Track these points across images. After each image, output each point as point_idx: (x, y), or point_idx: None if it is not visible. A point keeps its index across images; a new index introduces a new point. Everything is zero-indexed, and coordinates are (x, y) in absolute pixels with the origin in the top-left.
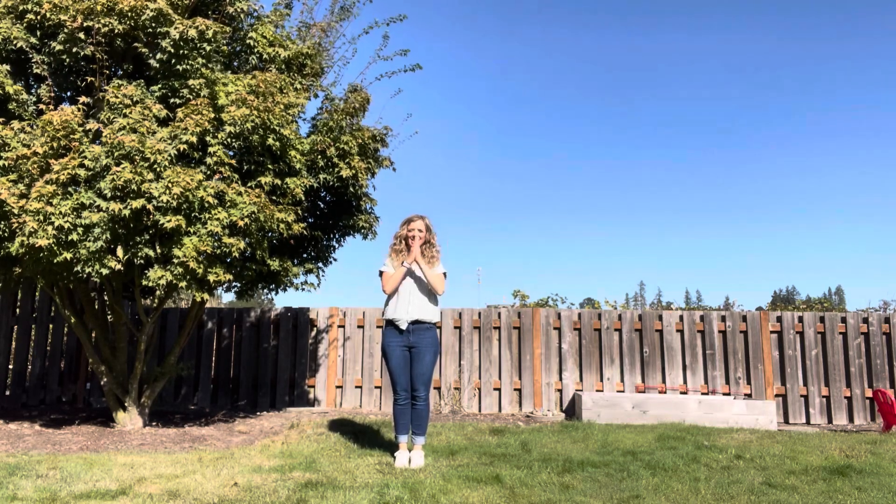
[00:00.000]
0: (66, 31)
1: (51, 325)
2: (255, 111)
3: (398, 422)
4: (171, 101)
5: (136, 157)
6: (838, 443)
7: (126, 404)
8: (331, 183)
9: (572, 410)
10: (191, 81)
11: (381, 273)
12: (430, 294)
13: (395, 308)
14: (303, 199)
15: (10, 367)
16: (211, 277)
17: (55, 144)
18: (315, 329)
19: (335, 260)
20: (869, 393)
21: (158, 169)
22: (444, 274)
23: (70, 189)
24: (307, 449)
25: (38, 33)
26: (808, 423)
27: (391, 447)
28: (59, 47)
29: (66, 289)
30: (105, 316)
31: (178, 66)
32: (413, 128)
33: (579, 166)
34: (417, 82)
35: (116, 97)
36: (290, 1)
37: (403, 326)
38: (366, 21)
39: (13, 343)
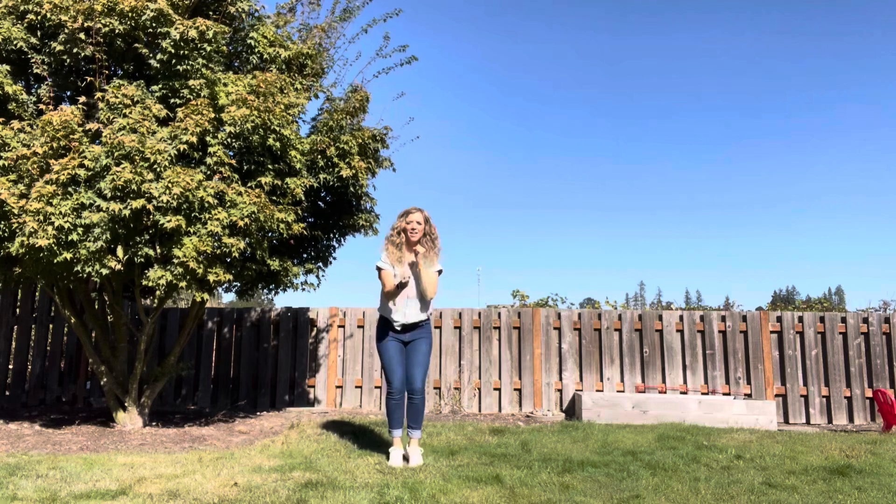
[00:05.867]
0: (66, 31)
1: (51, 325)
2: (256, 111)
3: (392, 416)
4: (172, 101)
5: (136, 158)
6: (838, 443)
7: (126, 404)
8: (331, 183)
9: (572, 410)
10: (191, 82)
11: (378, 269)
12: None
13: (392, 309)
14: (303, 198)
15: (10, 367)
16: (211, 277)
17: (55, 144)
18: (315, 329)
19: (335, 259)
20: (869, 393)
21: (158, 169)
22: (440, 272)
23: (70, 189)
24: (307, 449)
25: (39, 33)
26: (808, 423)
27: (390, 443)
28: (59, 48)
29: (66, 289)
30: (105, 316)
31: (179, 67)
32: (415, 132)
33: (579, 165)
34: (417, 79)
35: (116, 97)
36: (294, 5)
37: (399, 328)
38: (364, 19)
39: (13, 343)
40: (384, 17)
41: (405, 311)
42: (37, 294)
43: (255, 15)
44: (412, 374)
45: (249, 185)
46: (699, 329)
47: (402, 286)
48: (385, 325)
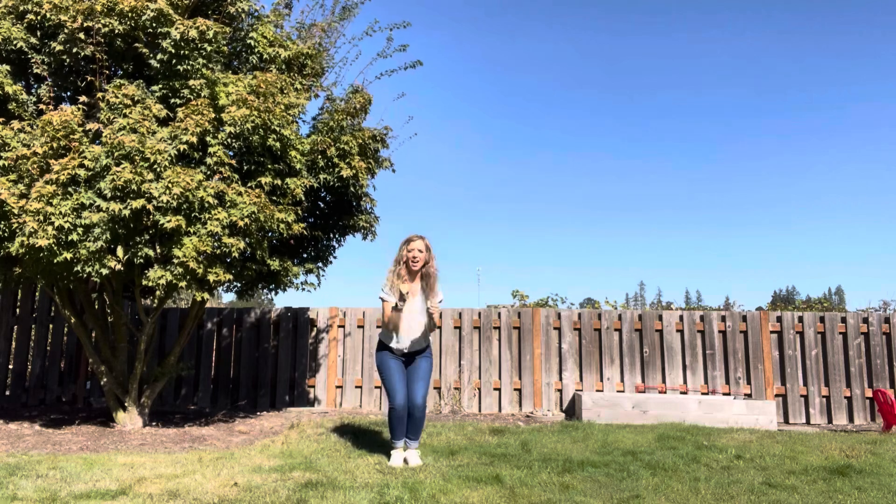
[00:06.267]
0: (66, 31)
1: (51, 325)
2: (256, 111)
3: (395, 429)
4: (172, 101)
5: (136, 158)
6: (838, 443)
7: (126, 404)
8: (331, 183)
9: (572, 410)
10: (191, 82)
11: (382, 300)
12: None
13: (393, 339)
14: (303, 199)
15: (10, 367)
16: (211, 277)
17: (55, 144)
18: (315, 329)
19: (335, 258)
20: (869, 393)
21: (158, 169)
22: (440, 301)
23: (70, 189)
24: (307, 449)
25: (38, 33)
26: (808, 423)
27: (391, 447)
28: (59, 47)
29: (66, 289)
30: (105, 316)
31: (179, 67)
32: (413, 129)
33: (579, 165)
34: (417, 79)
35: (116, 97)
36: (290, 1)
37: (399, 355)
38: (366, 18)
39: (13, 343)
40: (390, 27)
41: (407, 341)
42: (37, 294)
43: (254, 15)
44: (413, 389)
45: (249, 185)
46: (699, 329)
47: (401, 303)
48: (386, 349)
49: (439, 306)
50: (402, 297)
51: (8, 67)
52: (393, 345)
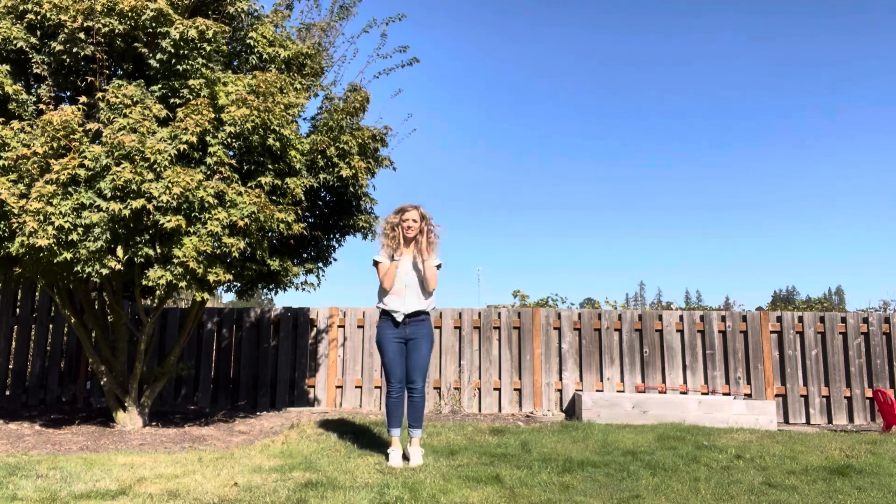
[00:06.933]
0: (66, 31)
1: (51, 325)
2: (256, 111)
3: (392, 415)
4: (172, 101)
5: (136, 157)
6: (838, 443)
7: (126, 404)
8: (331, 183)
9: (572, 410)
10: (191, 81)
11: (376, 263)
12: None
13: (392, 300)
14: (303, 198)
15: (10, 367)
16: (211, 277)
17: (55, 144)
18: (315, 329)
19: (335, 260)
20: (869, 393)
21: (158, 169)
22: (439, 266)
23: (70, 189)
24: (307, 449)
25: (38, 33)
26: (808, 423)
27: (389, 444)
28: (59, 47)
29: (66, 289)
30: (105, 316)
31: (179, 66)
32: (412, 126)
33: (579, 165)
34: (417, 79)
35: (116, 97)
36: (291, 1)
37: (400, 318)
38: (364, 18)
39: (13, 343)
40: (386, 21)
41: (405, 300)
42: (37, 294)
43: (254, 15)
44: (412, 372)
45: (249, 185)
46: (699, 329)
47: (394, 260)
48: (386, 323)
49: (435, 266)
50: (393, 258)
51: (8, 67)
52: (389, 306)
